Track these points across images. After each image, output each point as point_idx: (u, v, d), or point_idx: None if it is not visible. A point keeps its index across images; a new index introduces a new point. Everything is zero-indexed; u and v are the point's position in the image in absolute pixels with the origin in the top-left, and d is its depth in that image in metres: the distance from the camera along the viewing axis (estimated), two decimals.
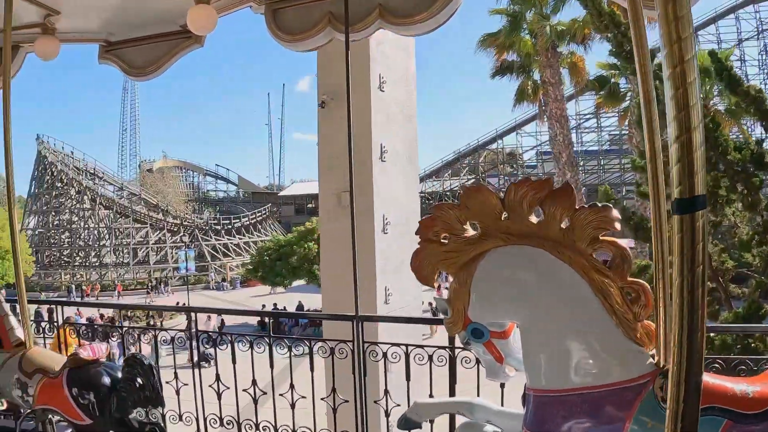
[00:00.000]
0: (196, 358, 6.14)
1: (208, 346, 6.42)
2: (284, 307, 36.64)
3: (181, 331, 6.21)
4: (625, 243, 2.83)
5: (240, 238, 73.95)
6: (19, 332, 4.84)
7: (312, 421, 5.51)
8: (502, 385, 4.24)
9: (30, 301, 5.21)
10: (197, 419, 5.84)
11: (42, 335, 6.53)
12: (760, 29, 56.99)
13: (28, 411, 4.74)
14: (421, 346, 4.94)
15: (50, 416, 4.70)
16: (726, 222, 13.07)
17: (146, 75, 5.21)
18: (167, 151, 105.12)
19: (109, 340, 7.04)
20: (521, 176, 58.25)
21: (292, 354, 5.54)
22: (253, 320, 30.51)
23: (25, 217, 67.70)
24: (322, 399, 5.42)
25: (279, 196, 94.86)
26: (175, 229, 72.34)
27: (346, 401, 5.28)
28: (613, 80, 33.01)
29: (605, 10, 13.04)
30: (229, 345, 5.76)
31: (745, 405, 2.62)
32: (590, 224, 2.72)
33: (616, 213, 2.73)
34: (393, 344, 5.06)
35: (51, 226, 69.65)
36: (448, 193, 65.60)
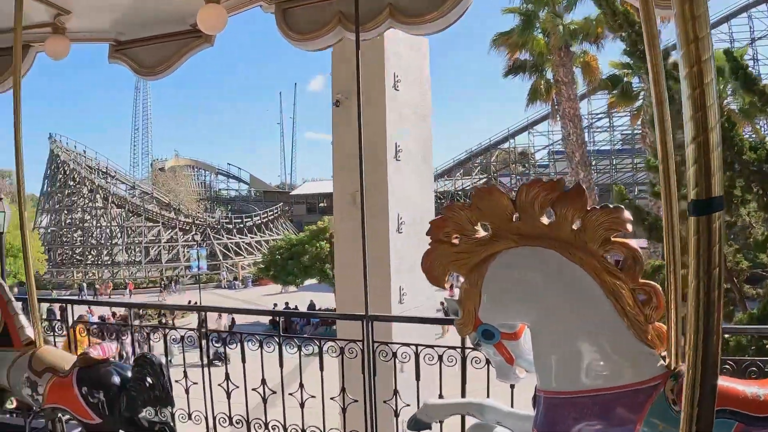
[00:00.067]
0: (210, 356, 6.14)
1: (218, 345, 6.42)
2: (296, 306, 36.70)
3: (191, 330, 6.20)
4: (637, 244, 2.81)
5: (252, 237, 74.17)
6: (30, 331, 4.84)
7: (321, 420, 5.49)
8: (512, 386, 4.22)
9: (40, 300, 5.21)
10: (206, 418, 5.84)
11: (53, 334, 6.54)
12: None
13: (38, 409, 4.75)
14: (431, 346, 4.92)
15: (60, 415, 4.70)
16: (740, 222, 12.99)
17: (156, 74, 5.21)
18: (179, 150, 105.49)
19: (122, 339, 7.05)
20: (533, 176, 58.47)
21: (303, 353, 5.53)
22: (265, 319, 30.55)
23: (37, 215, 68.21)
24: (331, 399, 5.41)
25: (291, 195, 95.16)
26: (187, 228, 72.67)
27: (356, 401, 5.27)
28: (625, 79, 32.83)
29: (619, 9, 12.99)
30: (239, 344, 5.76)
31: (757, 408, 2.59)
32: (602, 225, 2.70)
33: (627, 214, 2.71)
34: (403, 344, 5.05)
35: (63, 224, 70.11)
36: (459, 193, 65.54)
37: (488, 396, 3.98)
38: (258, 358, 5.63)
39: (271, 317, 25.47)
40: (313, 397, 5.45)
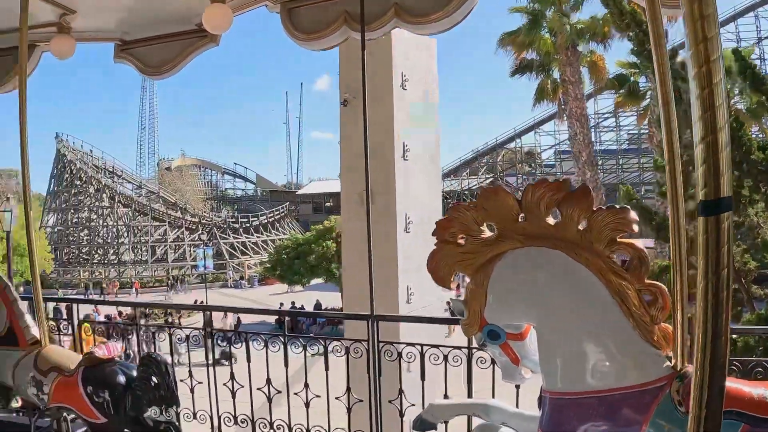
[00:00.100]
0: (217, 356, 6.14)
1: (223, 344, 6.42)
2: (302, 306, 36.75)
3: (196, 329, 6.20)
4: (643, 244, 2.79)
5: (258, 237, 74.27)
6: (35, 330, 4.85)
7: (326, 420, 5.49)
8: (517, 386, 4.20)
9: (45, 299, 5.22)
10: (211, 417, 5.84)
11: (59, 333, 6.55)
12: None
13: (44, 409, 4.76)
14: (437, 346, 4.92)
15: (65, 414, 4.70)
16: (748, 222, 12.94)
17: (162, 74, 5.21)
18: (185, 150, 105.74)
19: (129, 338, 7.05)
20: (540, 175, 58.37)
21: (308, 353, 5.53)
22: (272, 319, 30.61)
23: (44, 214, 68.45)
24: (336, 398, 5.40)
25: (297, 195, 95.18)
26: (194, 227, 72.83)
27: (361, 401, 5.26)
28: (632, 79, 32.76)
29: (626, 9, 12.97)
30: (244, 343, 5.76)
31: (763, 409, 2.59)
32: (608, 226, 2.70)
33: (633, 215, 2.70)
34: (408, 344, 5.05)
35: (70, 223, 70.36)
36: (466, 192, 65.49)
37: (493, 396, 3.97)
38: (263, 358, 5.63)
39: (277, 316, 25.49)
40: (318, 396, 5.45)
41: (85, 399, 4.37)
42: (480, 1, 4.11)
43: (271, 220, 79.15)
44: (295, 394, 5.50)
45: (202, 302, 33.98)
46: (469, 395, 4.74)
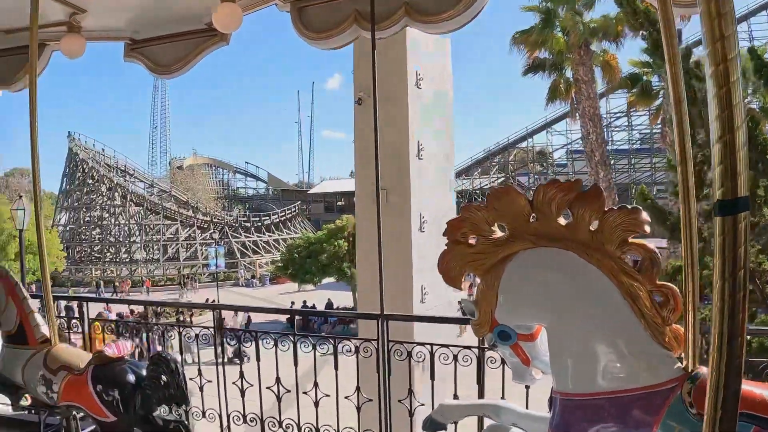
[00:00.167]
0: (230, 355, 6.14)
1: (233, 343, 6.42)
2: (313, 305, 36.79)
3: (206, 328, 6.20)
4: (655, 244, 2.77)
5: (269, 236, 74.35)
6: (45, 329, 4.87)
7: (336, 419, 5.48)
8: (527, 387, 4.18)
9: (55, 298, 5.23)
10: (220, 416, 5.84)
11: (69, 331, 6.57)
12: None
13: (53, 407, 4.77)
14: (446, 346, 4.91)
15: (74, 413, 4.71)
16: (763, 222, 12.85)
17: (172, 73, 5.21)
18: (197, 149, 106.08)
19: (141, 336, 7.07)
20: (551, 175, 58.20)
21: (318, 352, 5.53)
22: (283, 317, 30.69)
23: (56, 213, 68.83)
24: (346, 397, 5.40)
25: (308, 194, 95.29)
26: (205, 226, 73.02)
27: (370, 400, 5.26)
28: (645, 78, 32.59)
29: (639, 8, 12.91)
30: (254, 342, 5.76)
31: None
32: (619, 226, 2.68)
33: (645, 215, 2.68)
34: (418, 343, 5.05)
35: (82, 222, 70.64)
36: (477, 192, 65.41)
37: (503, 396, 3.96)
38: (273, 357, 5.62)
39: (289, 315, 25.56)
40: (327, 396, 5.45)
41: (94, 397, 4.39)
42: (492, 1, 4.10)
43: (282, 219, 79.22)
44: (305, 393, 5.50)
45: (213, 301, 34.12)
46: (481, 395, 4.73)
